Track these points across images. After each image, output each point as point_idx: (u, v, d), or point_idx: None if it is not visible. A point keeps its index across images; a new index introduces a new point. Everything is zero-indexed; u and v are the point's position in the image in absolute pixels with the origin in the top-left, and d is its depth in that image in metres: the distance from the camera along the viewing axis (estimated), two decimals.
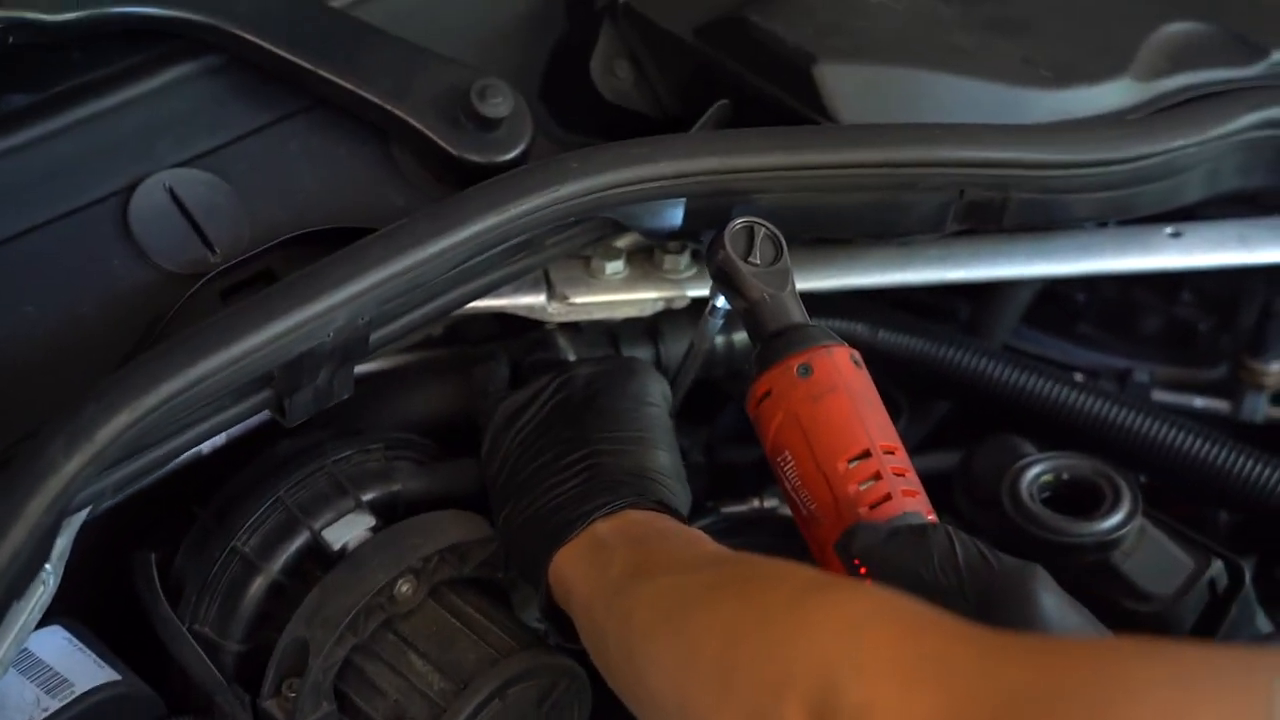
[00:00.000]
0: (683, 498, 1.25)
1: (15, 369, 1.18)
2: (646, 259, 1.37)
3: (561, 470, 1.23)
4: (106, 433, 1.05)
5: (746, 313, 1.19)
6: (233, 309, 1.13)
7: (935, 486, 1.23)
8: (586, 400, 1.28)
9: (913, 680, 0.80)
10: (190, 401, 1.10)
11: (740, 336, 1.45)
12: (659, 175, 1.23)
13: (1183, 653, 0.76)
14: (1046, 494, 1.35)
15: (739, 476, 1.55)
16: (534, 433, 1.27)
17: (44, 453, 1.03)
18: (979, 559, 1.00)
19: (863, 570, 1.04)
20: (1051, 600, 0.97)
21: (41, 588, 1.11)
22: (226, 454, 1.31)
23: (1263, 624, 1.34)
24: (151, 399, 1.07)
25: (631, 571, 1.09)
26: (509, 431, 1.29)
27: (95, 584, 1.30)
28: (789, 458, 1.12)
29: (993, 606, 0.97)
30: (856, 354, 1.15)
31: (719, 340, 1.41)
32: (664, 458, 1.25)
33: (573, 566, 1.16)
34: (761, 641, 0.91)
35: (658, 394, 1.30)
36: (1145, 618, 1.31)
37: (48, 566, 1.10)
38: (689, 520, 1.24)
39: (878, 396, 1.14)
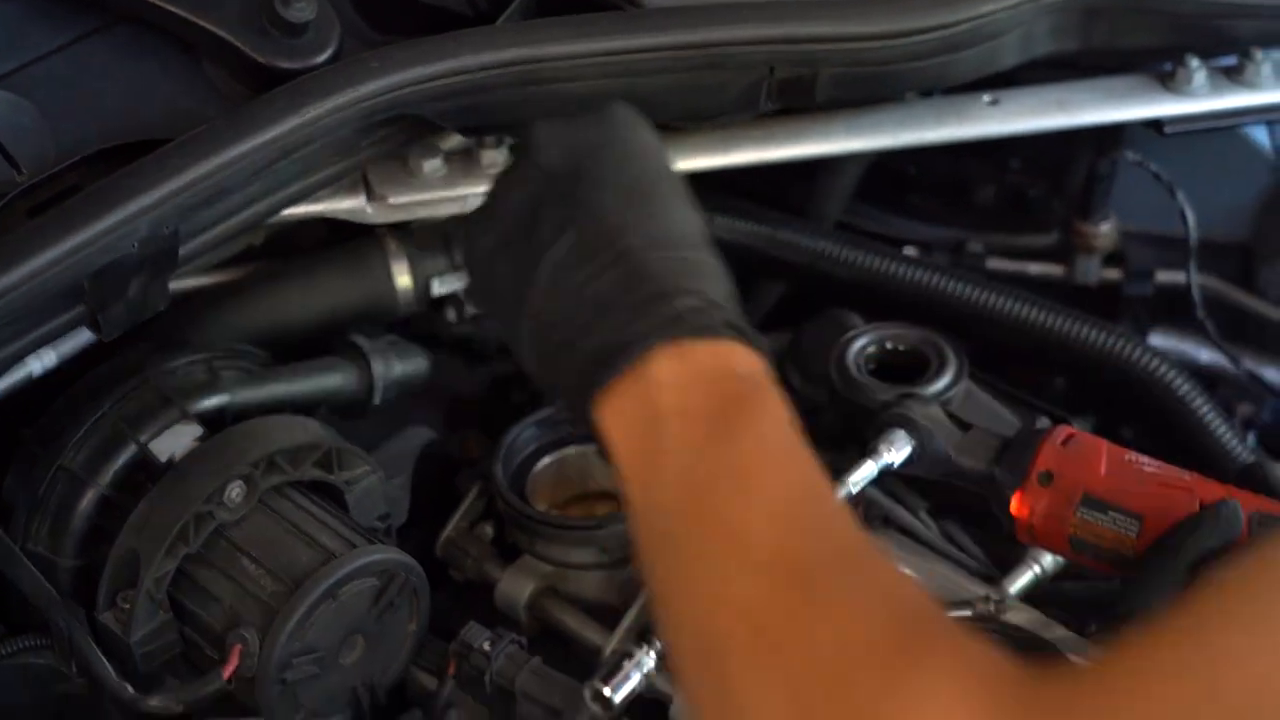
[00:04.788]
0: (734, 307, 1.01)
1: None
2: (466, 156, 1.37)
3: (585, 266, 1.00)
4: None
5: None
6: (30, 224, 1.13)
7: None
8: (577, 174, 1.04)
9: None
10: None
11: None
12: (461, 69, 1.23)
13: None
14: (873, 365, 1.36)
15: None
16: (525, 216, 1.04)
17: None
18: None
19: None
20: None
21: None
22: (58, 375, 1.32)
23: None
24: None
25: (686, 476, 0.89)
26: (487, 224, 1.08)
27: None
28: None
29: None
30: None
31: None
32: (706, 255, 1.04)
33: (618, 423, 0.94)
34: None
35: (658, 148, 1.10)
36: None
37: None
38: None
39: None
